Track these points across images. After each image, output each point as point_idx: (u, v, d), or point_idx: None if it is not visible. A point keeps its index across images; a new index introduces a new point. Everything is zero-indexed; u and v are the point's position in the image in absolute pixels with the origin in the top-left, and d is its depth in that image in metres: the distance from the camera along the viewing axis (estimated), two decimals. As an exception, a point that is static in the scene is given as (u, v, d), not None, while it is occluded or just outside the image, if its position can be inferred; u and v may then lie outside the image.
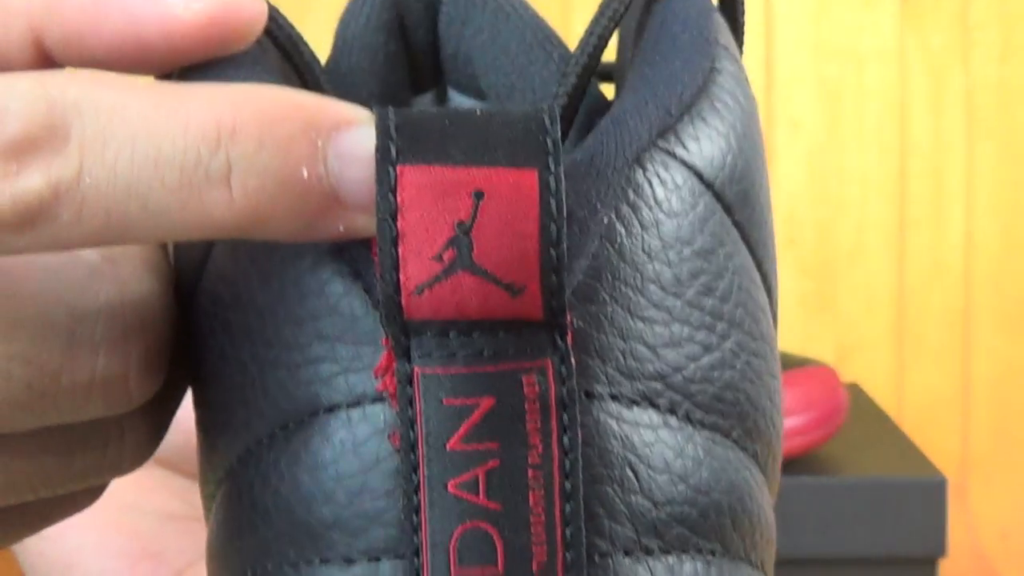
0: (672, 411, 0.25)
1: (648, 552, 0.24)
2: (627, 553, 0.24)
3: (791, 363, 0.91)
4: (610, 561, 0.24)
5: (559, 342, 0.23)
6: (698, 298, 0.25)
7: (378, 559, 0.24)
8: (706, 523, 0.25)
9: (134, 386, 0.26)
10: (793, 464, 0.87)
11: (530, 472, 0.23)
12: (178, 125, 0.23)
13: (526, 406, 0.23)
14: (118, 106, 0.23)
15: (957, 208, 1.18)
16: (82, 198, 0.23)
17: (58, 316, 0.25)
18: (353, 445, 0.24)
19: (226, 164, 0.23)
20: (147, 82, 0.24)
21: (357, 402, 0.24)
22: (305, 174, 0.23)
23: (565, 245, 0.23)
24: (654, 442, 0.24)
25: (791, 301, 1.19)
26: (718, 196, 0.26)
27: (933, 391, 1.19)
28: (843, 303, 1.19)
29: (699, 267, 0.25)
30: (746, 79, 0.28)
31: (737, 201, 0.26)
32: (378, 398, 0.24)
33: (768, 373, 0.27)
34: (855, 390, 1.09)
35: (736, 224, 0.26)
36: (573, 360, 0.23)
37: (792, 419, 0.87)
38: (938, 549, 0.86)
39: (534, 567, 0.23)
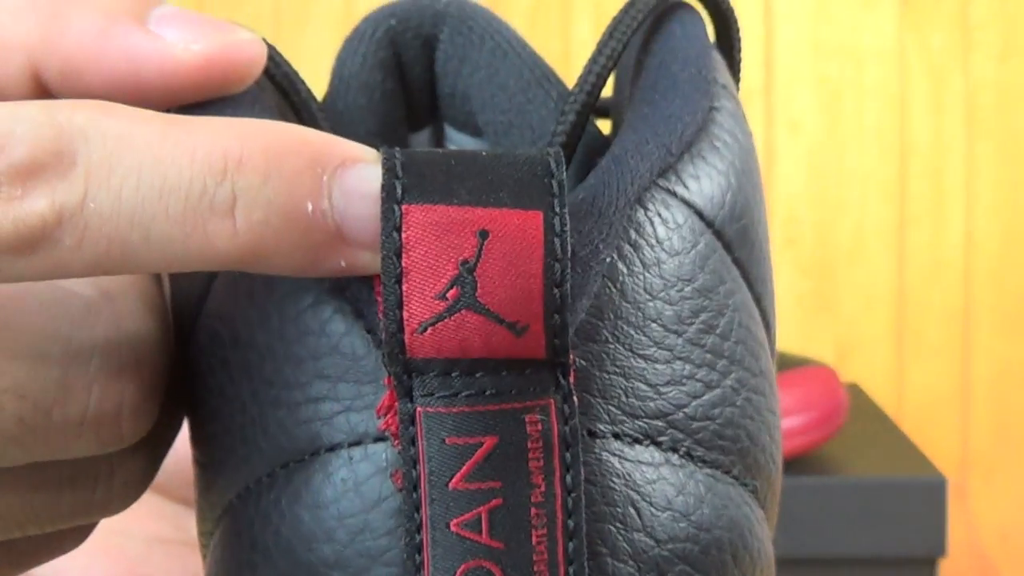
0: (674, 449, 0.25)
1: None
2: None
3: (791, 363, 0.91)
4: None
5: (562, 381, 0.23)
6: (699, 336, 0.25)
7: None
8: (708, 560, 0.25)
9: (126, 424, 0.25)
10: (793, 464, 0.87)
11: (533, 511, 0.23)
12: (185, 155, 0.23)
13: (529, 445, 0.23)
14: (125, 134, 0.23)
15: (957, 208, 1.18)
16: (85, 224, 0.23)
17: (53, 351, 0.25)
18: (355, 484, 0.24)
19: (231, 195, 0.23)
20: (154, 112, 0.24)
21: (359, 441, 0.24)
22: (309, 208, 0.23)
23: (569, 285, 0.23)
24: (656, 480, 0.25)
25: (791, 301, 1.19)
26: (718, 234, 0.26)
27: (933, 391, 1.19)
28: (843, 303, 1.20)
29: (700, 305, 0.25)
30: (744, 117, 0.28)
31: (737, 239, 0.27)
32: (380, 437, 0.24)
33: (768, 409, 0.27)
34: (855, 390, 1.09)
35: (736, 261, 0.26)
36: (576, 399, 0.23)
37: (792, 419, 0.87)
38: (938, 549, 0.86)
39: None
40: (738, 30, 0.31)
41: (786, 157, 1.19)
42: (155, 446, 0.27)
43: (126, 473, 0.27)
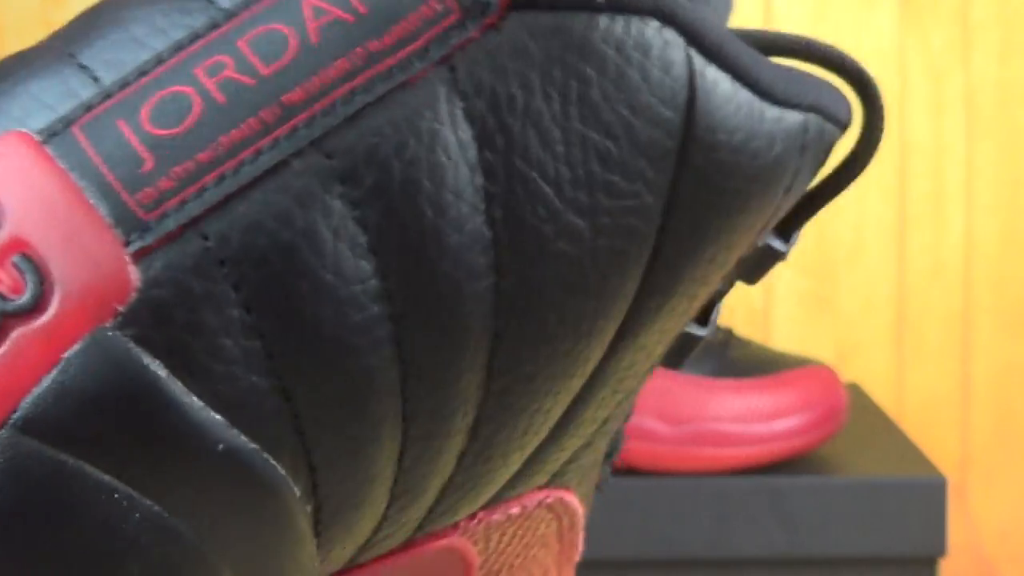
0: None
1: None
2: None
3: (791, 363, 0.91)
4: None
5: None
6: None
7: None
8: None
9: None
10: (793, 464, 0.87)
11: None
12: None
13: None
14: None
15: (957, 208, 1.18)
16: None
17: None
18: None
19: None
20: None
21: None
22: None
23: None
24: None
25: (791, 301, 1.18)
26: None
27: (933, 391, 1.19)
28: (843, 303, 1.19)
29: None
30: None
31: None
32: None
33: None
34: (855, 390, 1.08)
35: None
36: None
37: (792, 419, 0.87)
38: (938, 549, 0.86)
39: None
40: (879, 95, 0.31)
41: (786, 157, 1.19)
42: None
43: None
